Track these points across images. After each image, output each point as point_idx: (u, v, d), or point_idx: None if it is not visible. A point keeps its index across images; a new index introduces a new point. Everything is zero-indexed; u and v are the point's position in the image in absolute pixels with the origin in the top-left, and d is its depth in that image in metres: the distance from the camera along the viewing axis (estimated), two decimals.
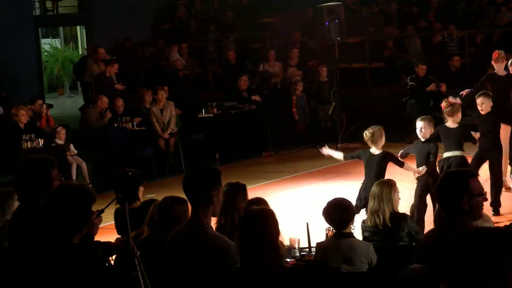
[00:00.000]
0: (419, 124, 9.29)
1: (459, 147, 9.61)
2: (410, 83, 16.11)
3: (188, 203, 4.93)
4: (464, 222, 4.29)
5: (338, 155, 9.43)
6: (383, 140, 8.96)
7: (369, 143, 8.95)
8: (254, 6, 22.68)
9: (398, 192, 7.18)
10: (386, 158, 8.89)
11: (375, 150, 8.93)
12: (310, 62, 18.33)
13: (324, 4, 16.60)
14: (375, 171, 8.77)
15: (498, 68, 11.40)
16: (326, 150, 9.45)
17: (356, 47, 19.42)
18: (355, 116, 16.58)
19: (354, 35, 19.10)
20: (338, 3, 17.05)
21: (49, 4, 24.48)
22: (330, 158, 9.83)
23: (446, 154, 9.61)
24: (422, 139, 9.27)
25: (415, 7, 20.85)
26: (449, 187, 4.35)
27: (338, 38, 16.45)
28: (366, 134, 8.93)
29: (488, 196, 9.81)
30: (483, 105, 10.19)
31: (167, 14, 23.44)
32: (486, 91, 10.56)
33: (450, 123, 9.68)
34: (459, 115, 9.75)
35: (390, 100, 17.12)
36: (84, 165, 13.65)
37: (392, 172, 9.11)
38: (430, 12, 20.31)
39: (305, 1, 21.03)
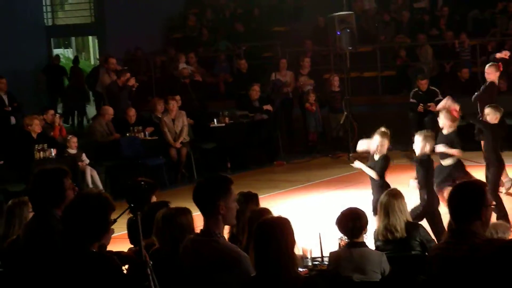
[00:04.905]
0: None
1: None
2: (411, 100, 16.20)
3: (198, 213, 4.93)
4: (478, 233, 4.26)
5: (371, 173, 9.09)
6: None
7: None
8: (265, 15, 22.73)
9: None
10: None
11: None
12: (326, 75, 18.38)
13: (336, 14, 16.61)
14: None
15: None
16: (358, 164, 9.28)
17: (367, 56, 19.41)
18: (367, 125, 16.54)
19: (366, 44, 19.10)
20: (350, 12, 17.06)
21: (61, 14, 24.58)
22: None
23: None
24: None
25: (426, 15, 20.83)
26: (468, 198, 4.30)
27: (350, 47, 16.44)
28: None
29: None
30: (488, 116, 10.22)
31: (178, 24, 23.52)
32: (495, 104, 10.56)
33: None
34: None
35: (401, 108, 17.09)
36: (95, 173, 13.69)
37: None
38: (442, 20, 20.28)
39: (316, 10, 21.05)
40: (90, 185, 13.62)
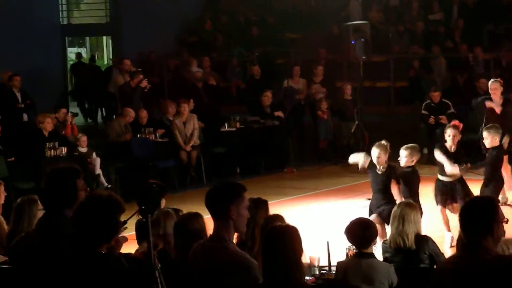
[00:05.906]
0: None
1: None
2: (423, 111, 16.19)
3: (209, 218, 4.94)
4: (489, 249, 4.25)
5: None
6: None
7: None
8: (279, 22, 22.74)
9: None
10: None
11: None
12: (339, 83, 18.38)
13: (351, 23, 16.62)
14: None
15: None
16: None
17: (381, 66, 19.40)
18: (378, 134, 16.51)
19: (379, 53, 19.09)
20: (365, 22, 17.06)
21: (77, 14, 24.69)
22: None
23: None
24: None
25: (441, 27, 20.80)
26: (480, 214, 4.30)
27: (364, 57, 16.44)
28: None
29: None
30: (486, 140, 10.24)
31: (194, 28, 23.56)
32: (493, 125, 10.52)
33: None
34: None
35: (413, 120, 17.08)
36: (97, 160, 13.70)
37: None
38: (456, 33, 20.25)
39: (330, 18, 21.05)
40: (105, 184, 13.66)
